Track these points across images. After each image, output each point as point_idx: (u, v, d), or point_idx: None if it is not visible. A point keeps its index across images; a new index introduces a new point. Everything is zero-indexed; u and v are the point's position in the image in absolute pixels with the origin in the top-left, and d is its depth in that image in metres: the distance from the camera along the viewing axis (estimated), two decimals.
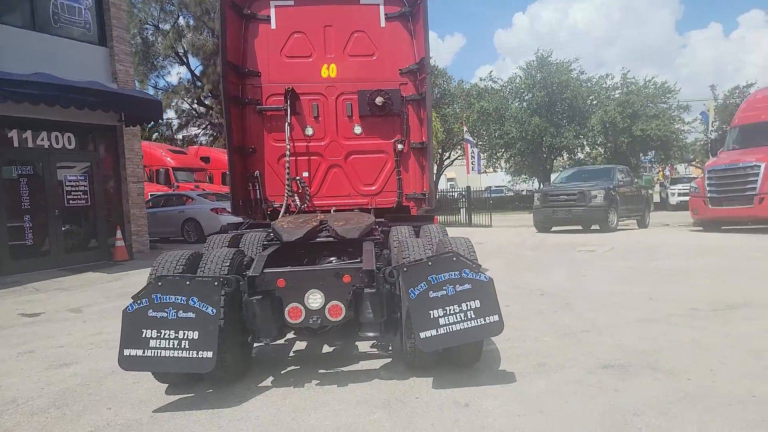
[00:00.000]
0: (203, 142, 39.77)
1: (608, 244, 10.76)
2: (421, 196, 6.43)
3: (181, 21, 34.59)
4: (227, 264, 3.45)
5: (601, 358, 3.70)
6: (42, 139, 9.68)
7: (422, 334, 3.11)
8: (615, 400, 2.99)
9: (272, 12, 6.36)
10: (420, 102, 6.40)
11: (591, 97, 33.20)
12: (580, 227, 14.16)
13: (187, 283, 3.06)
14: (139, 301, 3.03)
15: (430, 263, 3.16)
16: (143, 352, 3.02)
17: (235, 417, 3.02)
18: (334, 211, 6.34)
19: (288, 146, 6.24)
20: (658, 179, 35.18)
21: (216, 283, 3.09)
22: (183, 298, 3.04)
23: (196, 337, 3.03)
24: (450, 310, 3.13)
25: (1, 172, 9.16)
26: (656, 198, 25.88)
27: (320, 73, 6.39)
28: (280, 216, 6.19)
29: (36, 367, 4.11)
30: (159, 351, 3.02)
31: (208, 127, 40.71)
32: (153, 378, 3.53)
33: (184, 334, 3.03)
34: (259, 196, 6.29)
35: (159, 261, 3.46)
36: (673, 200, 25.37)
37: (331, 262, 4.09)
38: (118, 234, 10.73)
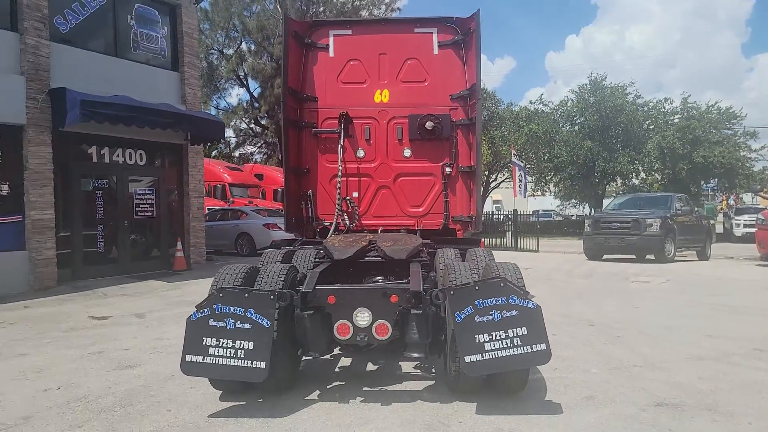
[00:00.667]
0: (258, 159, 41.26)
1: (664, 275, 10.34)
2: (468, 219, 6.47)
3: (243, 46, 36.38)
4: (282, 279, 3.64)
5: (655, 395, 3.61)
6: (117, 156, 10.44)
7: (467, 359, 3.16)
8: None
9: (331, 41, 6.67)
10: (469, 127, 6.50)
11: (648, 122, 32.18)
12: (633, 256, 13.67)
13: (246, 295, 3.26)
14: (202, 311, 3.25)
15: (477, 288, 3.22)
16: (203, 359, 3.22)
17: (284, 427, 3.16)
18: (381, 231, 6.51)
19: (340, 167, 6.49)
20: (721, 209, 33.44)
21: (272, 297, 3.27)
22: (241, 309, 3.23)
23: (251, 347, 3.21)
24: (496, 335, 3.16)
25: (80, 185, 9.93)
26: (719, 228, 24.64)
27: (373, 98, 6.62)
28: (329, 234, 6.42)
29: (105, 368, 4.43)
30: (217, 359, 3.21)
31: (263, 145, 42.27)
32: (208, 384, 3.74)
33: (240, 344, 3.22)
34: (310, 215, 6.53)
35: (220, 273, 3.70)
36: (738, 231, 24.01)
37: (377, 281, 4.21)
38: (179, 245, 11.32)
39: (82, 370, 4.38)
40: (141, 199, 10.94)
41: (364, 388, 3.82)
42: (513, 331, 3.16)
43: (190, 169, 11.87)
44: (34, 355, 4.89)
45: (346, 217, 6.48)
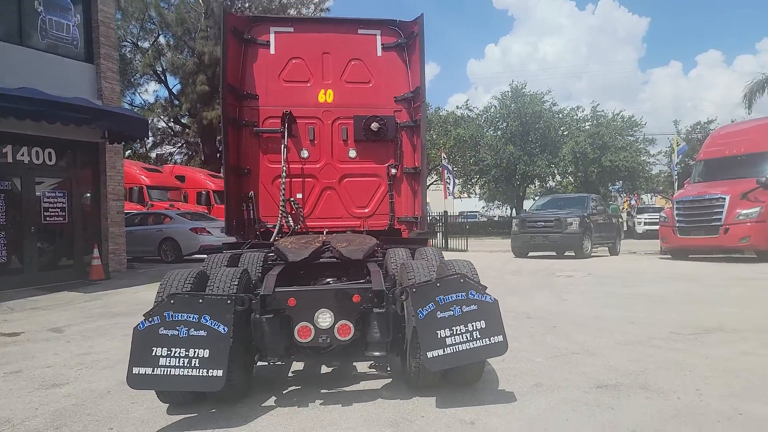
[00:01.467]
0: (177, 160, 39.32)
1: (585, 270, 11.08)
2: (413, 219, 6.57)
3: (162, 39, 34.52)
4: (236, 283, 3.49)
5: (594, 378, 3.85)
6: (22, 155, 9.51)
7: (429, 354, 3.20)
8: (613, 418, 3.12)
9: (272, 38, 6.51)
10: (413, 129, 6.60)
11: (562, 128, 34.47)
12: (554, 253, 14.53)
13: (200, 300, 3.09)
14: (150, 319, 3.04)
15: (438, 284, 3.28)
16: (153, 371, 3.01)
17: None
18: (326, 232, 6.44)
19: (284, 168, 6.34)
20: (624, 208, 36.44)
21: (229, 301, 3.13)
22: (195, 316, 3.06)
23: (206, 355, 3.05)
24: (456, 330, 3.24)
25: None
26: (623, 227, 26.74)
27: (317, 98, 6.54)
28: (273, 237, 6.25)
29: (26, 387, 4.01)
30: (169, 369, 3.02)
31: (184, 145, 40.34)
32: (151, 398, 3.51)
33: (194, 352, 3.04)
34: (252, 217, 6.33)
35: (167, 279, 3.48)
36: (640, 229, 26.23)
37: (328, 282, 4.15)
38: (95, 252, 10.51)
39: (0, 391, 3.94)
40: (51, 203, 10.04)
41: (322, 391, 3.76)
42: (472, 325, 3.25)
43: (108, 170, 11.09)
44: None
45: (290, 218, 6.35)
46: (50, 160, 10.01)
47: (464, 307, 3.26)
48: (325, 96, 6.57)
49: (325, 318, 3.31)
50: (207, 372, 3.04)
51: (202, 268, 4.61)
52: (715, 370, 3.97)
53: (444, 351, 3.21)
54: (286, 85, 6.52)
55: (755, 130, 14.80)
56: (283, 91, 6.50)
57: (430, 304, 3.24)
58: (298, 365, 4.44)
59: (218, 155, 37.82)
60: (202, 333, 3.05)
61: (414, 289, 3.27)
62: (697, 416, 3.11)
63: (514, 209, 37.17)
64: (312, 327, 3.29)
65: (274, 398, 3.64)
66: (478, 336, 3.25)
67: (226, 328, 3.08)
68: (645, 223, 25.79)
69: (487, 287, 3.34)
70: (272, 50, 6.53)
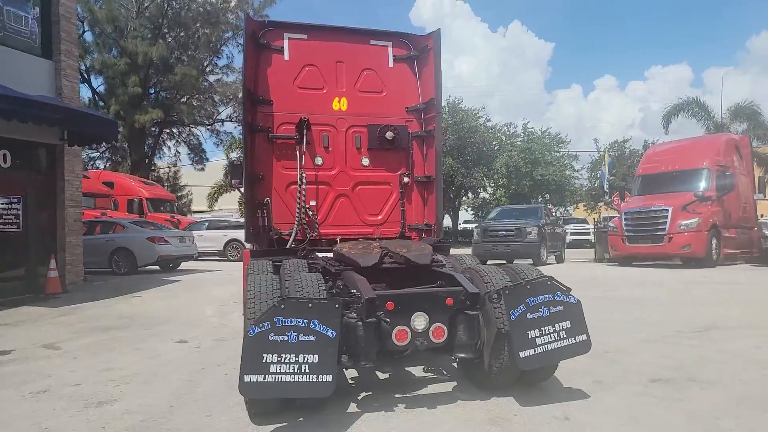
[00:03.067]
0: (100, 165, 36.86)
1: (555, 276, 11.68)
2: (425, 227, 6.70)
3: (88, 37, 32.38)
4: (323, 288, 3.46)
5: (643, 374, 4.15)
6: None
7: (521, 354, 3.34)
8: (688, 407, 3.41)
9: (286, 44, 6.47)
10: (424, 138, 6.76)
11: (495, 142, 36.19)
12: (504, 261, 15.18)
13: (309, 305, 3.04)
14: (260, 325, 2.94)
15: (528, 286, 3.43)
16: (264, 378, 2.92)
17: None
18: (339, 240, 6.42)
19: (302, 174, 6.28)
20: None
21: (337, 306, 3.09)
22: (305, 320, 3.00)
23: (316, 360, 2.99)
24: (545, 330, 3.40)
25: None
26: None
27: (332, 105, 6.56)
28: (289, 244, 6.15)
29: (70, 407, 3.68)
30: (280, 376, 2.93)
31: (108, 150, 37.88)
32: (225, 409, 3.45)
33: (304, 357, 2.98)
34: (266, 224, 6.19)
35: (250, 287, 3.37)
36: (568, 238, 28.07)
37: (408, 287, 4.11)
38: (52, 264, 9.67)
39: (42, 412, 3.59)
40: (4, 210, 9.14)
41: (396, 395, 3.77)
42: (559, 325, 3.43)
43: (67, 175, 10.29)
44: None
45: (306, 226, 6.27)
46: (5, 163, 9.12)
47: (551, 308, 3.43)
48: (339, 104, 6.59)
49: (420, 321, 3.34)
50: (317, 378, 2.99)
51: (249, 273, 4.49)
52: (743, 362, 4.41)
53: (534, 351, 3.36)
54: (300, 91, 6.49)
55: (684, 149, 16.41)
56: (297, 98, 6.45)
57: (521, 306, 3.38)
58: (350, 372, 4.40)
59: (146, 161, 36.03)
60: (312, 338, 3.00)
61: (507, 291, 3.40)
62: (759, 401, 3.47)
63: (450, 219, 38.26)
64: (408, 330, 3.32)
65: (353, 404, 3.60)
66: (565, 335, 3.43)
67: (334, 333, 3.04)
68: (571, 234, 27.65)
69: (571, 289, 3.52)
70: (286, 56, 6.48)
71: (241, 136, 36.50)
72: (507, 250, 14.67)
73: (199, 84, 34.71)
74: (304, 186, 6.26)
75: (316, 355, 3.00)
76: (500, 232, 14.94)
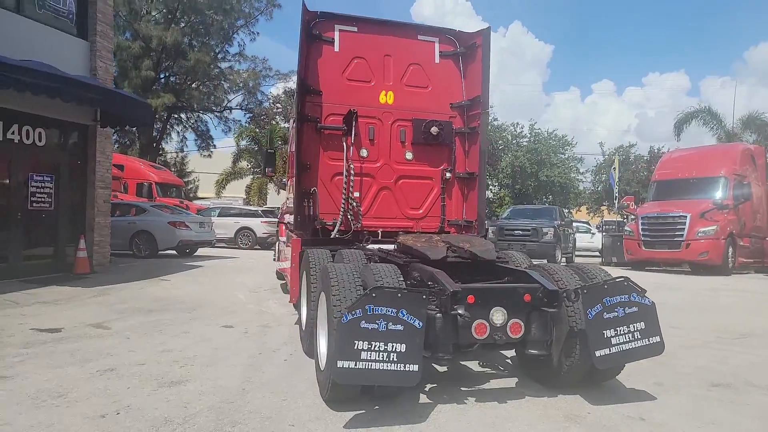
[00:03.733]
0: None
1: None
2: (465, 222, 6.75)
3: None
4: (401, 278, 3.51)
5: (701, 378, 4.21)
6: (12, 133, 8.63)
7: (598, 353, 3.39)
8: (757, 412, 3.47)
9: (336, 35, 6.49)
10: (468, 135, 6.80)
11: (500, 142, 36.14)
12: None
13: (399, 295, 3.09)
14: (353, 312, 2.99)
15: (605, 286, 3.48)
16: (355, 365, 2.97)
17: (438, 431, 3.06)
18: (381, 232, 6.47)
19: (351, 165, 6.32)
20: None
21: (424, 296, 3.14)
22: (393, 310, 3.05)
23: (403, 350, 3.04)
24: (620, 330, 3.45)
25: None
26: None
27: (378, 98, 6.59)
28: (333, 234, 6.20)
29: (145, 386, 3.73)
30: (370, 363, 2.99)
31: (116, 133, 37.83)
32: (299, 394, 3.52)
33: (392, 346, 3.03)
34: (312, 213, 6.23)
35: (333, 275, 3.42)
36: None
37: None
38: (82, 244, 9.72)
39: (117, 390, 3.64)
40: (38, 188, 9.18)
41: (462, 389, 3.83)
42: (634, 326, 3.48)
43: (98, 155, 10.31)
44: (24, 376, 3.91)
45: (350, 216, 6.32)
46: (40, 141, 9.14)
47: (627, 308, 3.48)
48: (386, 97, 6.63)
49: (499, 316, 3.39)
50: (404, 366, 3.04)
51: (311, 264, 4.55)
52: None
53: (610, 350, 3.42)
54: (348, 83, 6.52)
55: (701, 156, 16.43)
56: (345, 90, 6.49)
57: (598, 305, 3.43)
58: None
59: (154, 145, 36.01)
60: (400, 327, 3.05)
61: (585, 291, 3.45)
62: None
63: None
64: (488, 324, 3.37)
65: (423, 395, 3.66)
66: (639, 336, 3.48)
67: (421, 323, 3.09)
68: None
69: (646, 291, 3.57)
70: (336, 48, 6.50)
71: (247, 124, 36.13)
72: (523, 249, 14.69)
73: (210, 70, 34.71)
74: (352, 177, 6.30)
75: (404, 345, 3.05)
76: (516, 232, 15.01)
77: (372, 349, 3.00)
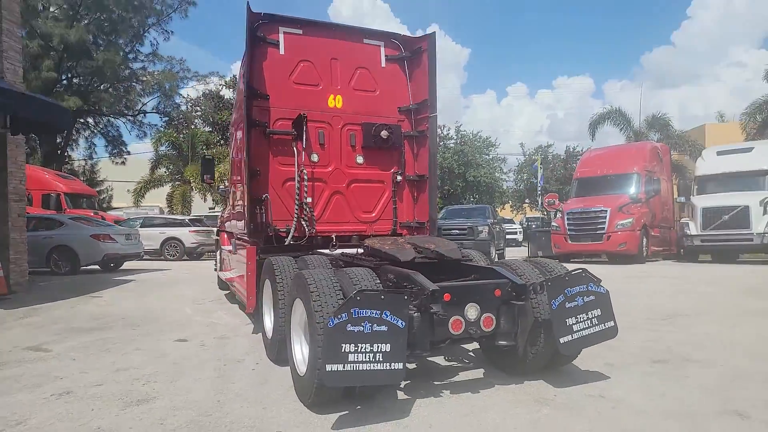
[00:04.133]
0: None
1: None
2: (418, 224, 6.93)
3: None
4: (377, 281, 3.59)
5: (642, 356, 4.62)
6: None
7: (562, 340, 3.66)
8: (697, 382, 3.89)
9: (281, 38, 6.45)
10: (417, 138, 6.99)
11: None
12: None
13: (382, 297, 3.15)
14: (339, 316, 3.03)
15: (566, 278, 3.75)
16: (343, 367, 3.01)
17: (422, 426, 3.16)
18: (335, 237, 6.49)
19: (303, 171, 6.30)
20: None
21: (405, 297, 3.23)
22: (377, 312, 3.12)
23: (388, 349, 3.12)
24: (580, 318, 3.74)
25: None
26: None
27: (327, 102, 6.62)
28: (287, 241, 6.14)
29: (110, 407, 3.53)
30: (357, 365, 3.03)
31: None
32: (279, 400, 3.51)
33: (378, 347, 3.10)
34: (264, 220, 6.14)
35: (312, 281, 3.42)
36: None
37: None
38: None
39: (81, 413, 3.42)
40: None
41: (435, 383, 3.97)
42: (591, 313, 3.78)
43: (10, 166, 9.46)
44: None
45: (303, 222, 6.29)
46: None
47: (585, 297, 3.77)
48: (335, 101, 6.67)
49: (473, 312, 3.56)
50: (389, 365, 3.12)
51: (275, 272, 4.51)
52: (720, 344, 5.03)
53: (572, 336, 3.69)
54: (296, 87, 6.50)
55: (616, 154, 17.87)
56: (293, 93, 6.47)
57: (561, 296, 3.70)
58: None
59: (59, 152, 33.48)
60: (384, 328, 3.13)
61: (549, 283, 3.70)
62: (753, 375, 4.01)
63: None
64: (463, 320, 3.53)
65: (401, 392, 3.75)
66: (596, 322, 3.79)
67: (404, 323, 3.18)
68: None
69: (601, 280, 3.89)
70: (282, 51, 6.47)
71: (164, 129, 34.30)
72: (460, 248, 15.20)
73: (121, 71, 32.79)
74: (305, 183, 6.28)
75: (389, 344, 3.13)
76: (453, 231, 15.49)
77: (359, 351, 3.05)
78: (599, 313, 3.80)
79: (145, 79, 35.17)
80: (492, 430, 3.10)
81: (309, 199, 6.40)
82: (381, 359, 3.10)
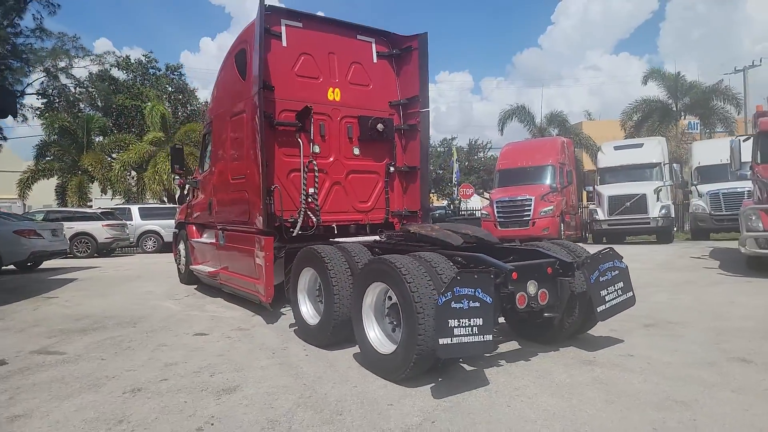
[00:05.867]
0: None
1: None
2: (409, 213, 7.33)
3: None
4: (450, 264, 3.95)
5: (634, 322, 5.42)
6: None
7: (599, 309, 4.28)
8: (691, 338, 4.74)
9: (283, 30, 6.50)
10: (406, 132, 7.37)
11: None
12: None
13: (475, 276, 3.53)
14: (445, 294, 3.36)
15: (599, 255, 4.38)
16: (451, 341, 3.35)
17: (507, 391, 3.61)
18: (336, 226, 6.69)
19: (312, 162, 6.41)
20: None
21: (492, 276, 3.64)
22: (472, 289, 3.49)
23: (480, 323, 3.51)
24: (610, 290, 4.39)
25: None
26: None
27: (327, 95, 6.79)
28: (296, 232, 6.23)
29: (201, 397, 3.55)
30: (461, 338, 3.40)
31: None
32: (359, 380, 3.75)
33: (473, 321, 3.48)
34: (272, 211, 6.18)
35: (403, 267, 3.69)
36: None
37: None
38: None
39: (177, 406, 3.41)
40: None
41: (486, 356, 4.41)
42: (617, 285, 4.45)
43: None
44: (44, 413, 3.38)
45: (309, 213, 6.42)
46: None
47: (613, 272, 4.43)
48: (334, 94, 6.87)
49: (532, 288, 4.06)
50: (483, 337, 3.52)
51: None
52: (686, 308, 6.03)
53: (605, 306, 4.34)
54: (299, 79, 6.61)
55: (532, 148, 19.57)
56: (296, 85, 6.57)
57: (596, 271, 4.32)
58: None
59: None
60: (477, 304, 3.51)
61: (588, 260, 4.31)
62: (731, 331, 4.96)
63: None
64: (526, 295, 4.01)
65: (464, 365, 4.16)
66: (620, 293, 4.46)
67: (491, 299, 3.59)
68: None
69: (623, 257, 4.57)
70: (284, 43, 6.53)
71: (45, 113, 31.01)
72: None
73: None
74: (316, 173, 6.42)
75: (481, 319, 3.52)
76: None
77: (460, 325, 3.42)
78: (622, 285, 4.48)
79: (31, 57, 31.43)
80: (568, 385, 3.63)
81: (312, 190, 6.53)
82: (476, 332, 3.49)
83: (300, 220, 6.27)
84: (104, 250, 18.91)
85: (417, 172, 7.32)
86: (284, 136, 6.41)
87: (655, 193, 17.15)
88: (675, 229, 19.09)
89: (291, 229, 6.28)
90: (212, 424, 3.11)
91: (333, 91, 6.83)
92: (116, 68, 34.62)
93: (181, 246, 9.25)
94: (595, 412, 3.16)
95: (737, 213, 17.02)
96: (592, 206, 18.22)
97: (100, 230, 18.63)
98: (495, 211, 16.88)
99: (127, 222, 19.66)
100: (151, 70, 36.65)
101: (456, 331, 3.39)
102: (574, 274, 4.30)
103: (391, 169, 7.25)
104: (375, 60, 7.25)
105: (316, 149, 6.63)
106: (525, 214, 16.34)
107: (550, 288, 4.25)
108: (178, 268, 9.53)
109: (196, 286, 8.84)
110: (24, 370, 4.33)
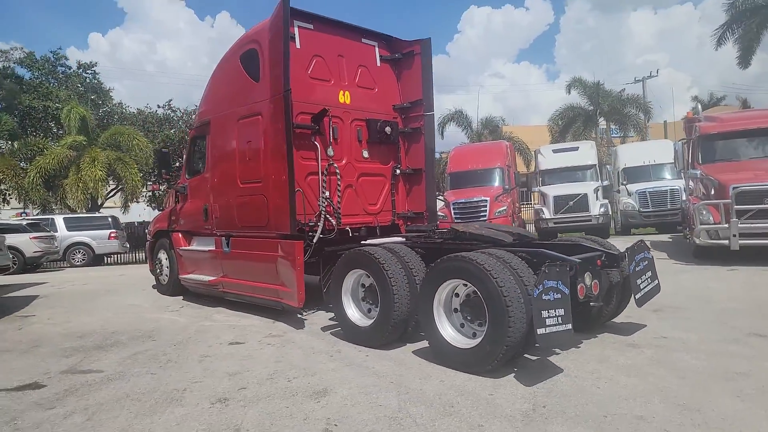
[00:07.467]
0: None
1: None
2: (415, 214, 7.52)
3: None
4: (518, 259, 4.19)
5: (643, 310, 5.91)
6: None
7: (636, 296, 4.72)
8: (701, 318, 5.31)
9: (296, 31, 6.49)
10: (409, 135, 7.56)
11: None
12: None
13: (557, 269, 3.80)
14: (537, 287, 3.60)
15: (636, 247, 4.81)
16: (545, 330, 3.60)
17: (584, 372, 3.91)
18: (350, 228, 6.74)
19: (333, 164, 6.43)
20: None
21: (569, 269, 3.92)
22: (555, 282, 3.76)
23: (563, 313, 3.79)
24: (643, 278, 4.85)
25: None
26: None
27: (338, 98, 6.86)
28: (317, 235, 6.22)
29: (301, 401, 3.54)
30: (551, 327, 3.65)
31: None
32: (443, 377, 3.92)
33: (557, 311, 3.75)
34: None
35: (488, 264, 3.87)
36: None
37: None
38: None
39: (283, 413, 3.38)
40: None
41: (536, 345, 4.71)
42: (648, 273, 4.92)
43: None
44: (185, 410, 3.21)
45: (328, 215, 6.43)
46: None
47: (644, 262, 4.90)
48: (344, 97, 6.95)
49: (588, 279, 4.39)
50: (565, 327, 3.80)
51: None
52: (683, 294, 6.68)
53: (641, 293, 4.79)
54: (312, 81, 6.63)
55: (481, 151, 20.50)
56: (310, 88, 6.59)
57: (633, 262, 4.76)
58: None
59: None
60: (559, 296, 3.79)
61: (628, 252, 4.73)
62: (733, 312, 5.59)
63: None
64: (585, 286, 4.34)
65: (528, 355, 4.41)
66: (650, 282, 4.94)
67: (568, 290, 3.88)
68: None
69: (650, 248, 5.04)
70: (298, 44, 6.52)
71: None
72: None
73: None
74: (338, 176, 6.44)
75: (563, 309, 3.80)
76: None
77: (549, 315, 3.67)
78: (650, 274, 4.96)
79: None
80: (633, 366, 4.01)
81: (327, 193, 6.53)
82: (560, 322, 3.76)
83: (321, 224, 6.26)
84: (32, 265, 17.42)
85: (422, 175, 7.51)
86: (300, 138, 6.37)
87: (595, 192, 18.57)
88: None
89: (311, 233, 6.24)
90: (336, 425, 3.13)
91: (343, 94, 6.89)
92: (19, 66, 31.70)
93: (162, 256, 8.79)
94: (677, 387, 3.53)
95: (662, 210, 19.26)
96: (537, 206, 19.34)
97: (28, 243, 17.13)
98: (452, 212, 17.44)
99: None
100: (60, 68, 33.91)
101: (548, 321, 3.65)
102: (619, 265, 4.70)
103: (397, 171, 7.41)
104: (378, 63, 7.38)
105: (330, 152, 6.65)
106: (481, 214, 17.01)
107: (600, 279, 4.62)
108: (158, 279, 9.05)
109: (182, 297, 8.46)
110: (73, 391, 4.04)
